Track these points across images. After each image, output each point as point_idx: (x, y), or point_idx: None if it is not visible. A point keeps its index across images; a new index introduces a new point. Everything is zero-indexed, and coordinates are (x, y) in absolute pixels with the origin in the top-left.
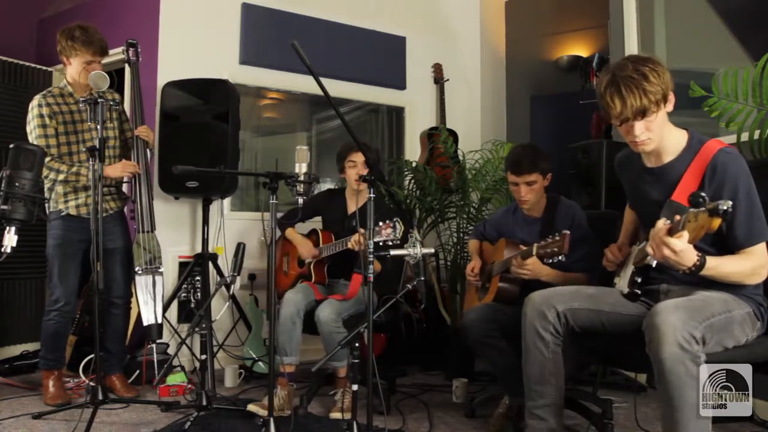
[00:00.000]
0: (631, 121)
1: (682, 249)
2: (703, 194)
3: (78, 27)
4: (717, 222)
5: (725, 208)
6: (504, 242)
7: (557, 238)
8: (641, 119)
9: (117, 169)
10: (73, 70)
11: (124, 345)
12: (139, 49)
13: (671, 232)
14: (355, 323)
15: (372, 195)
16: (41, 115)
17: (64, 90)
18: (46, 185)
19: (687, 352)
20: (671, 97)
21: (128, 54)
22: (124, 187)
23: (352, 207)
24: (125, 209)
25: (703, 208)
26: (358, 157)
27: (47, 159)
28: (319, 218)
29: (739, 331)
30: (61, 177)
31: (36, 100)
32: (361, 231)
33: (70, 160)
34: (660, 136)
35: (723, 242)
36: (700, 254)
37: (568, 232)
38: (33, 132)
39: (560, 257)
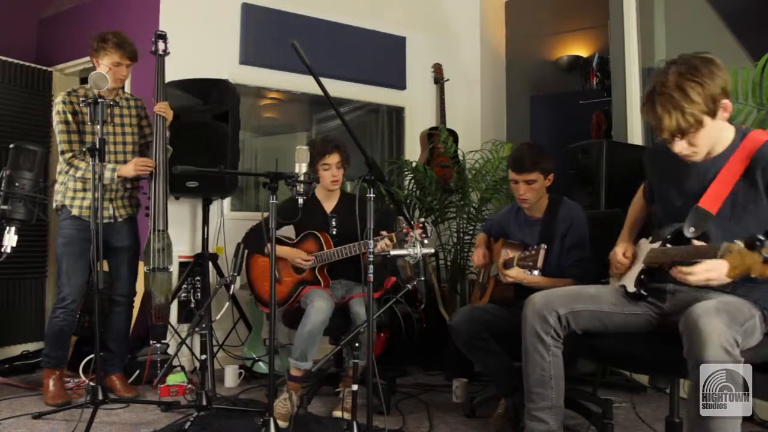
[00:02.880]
0: (671, 140)
1: (704, 270)
2: (761, 238)
3: (112, 32)
4: (760, 269)
5: None
6: (502, 243)
7: (533, 252)
8: (681, 138)
9: (130, 168)
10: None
11: (125, 344)
12: (168, 42)
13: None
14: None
15: (371, 195)
16: (64, 112)
17: (89, 92)
18: (60, 180)
19: (730, 355)
20: (724, 106)
21: (156, 46)
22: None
23: (328, 206)
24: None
25: (758, 254)
26: (332, 159)
27: (68, 155)
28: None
29: (758, 335)
30: (79, 174)
31: (60, 97)
32: (384, 238)
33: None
34: (709, 144)
35: None
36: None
37: (545, 246)
38: (56, 127)
39: (535, 271)
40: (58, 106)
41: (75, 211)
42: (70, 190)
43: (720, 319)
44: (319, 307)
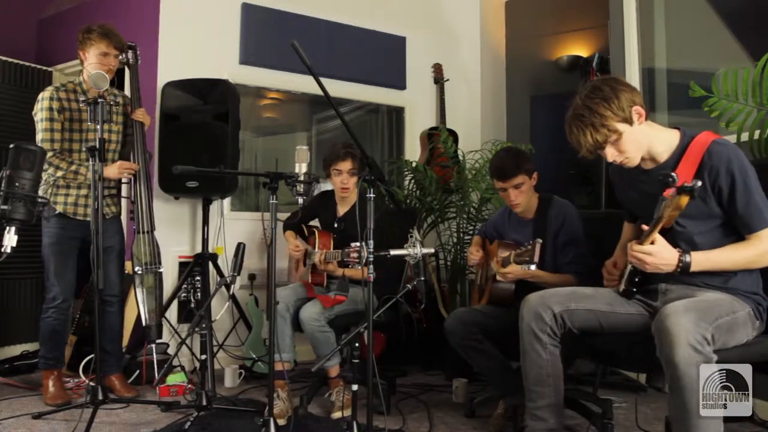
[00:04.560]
0: (599, 151)
1: (653, 251)
2: (672, 174)
3: (97, 23)
4: (685, 200)
5: (691, 185)
6: (497, 244)
7: (528, 247)
8: (607, 147)
9: (114, 170)
10: (90, 66)
11: (120, 344)
12: (139, 52)
13: (640, 240)
14: (346, 323)
15: (371, 195)
16: (51, 108)
17: (78, 87)
18: (44, 178)
19: (700, 353)
20: (637, 114)
21: (127, 56)
22: (124, 188)
23: (341, 210)
24: (125, 209)
25: (673, 187)
26: (344, 166)
27: (49, 154)
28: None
29: (742, 332)
30: (59, 174)
31: (48, 92)
32: (320, 253)
33: (70, 158)
34: (640, 149)
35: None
36: (681, 251)
37: (540, 240)
38: (40, 123)
39: (532, 266)
40: (45, 101)
41: (59, 208)
42: (51, 186)
43: (687, 317)
44: (279, 295)
